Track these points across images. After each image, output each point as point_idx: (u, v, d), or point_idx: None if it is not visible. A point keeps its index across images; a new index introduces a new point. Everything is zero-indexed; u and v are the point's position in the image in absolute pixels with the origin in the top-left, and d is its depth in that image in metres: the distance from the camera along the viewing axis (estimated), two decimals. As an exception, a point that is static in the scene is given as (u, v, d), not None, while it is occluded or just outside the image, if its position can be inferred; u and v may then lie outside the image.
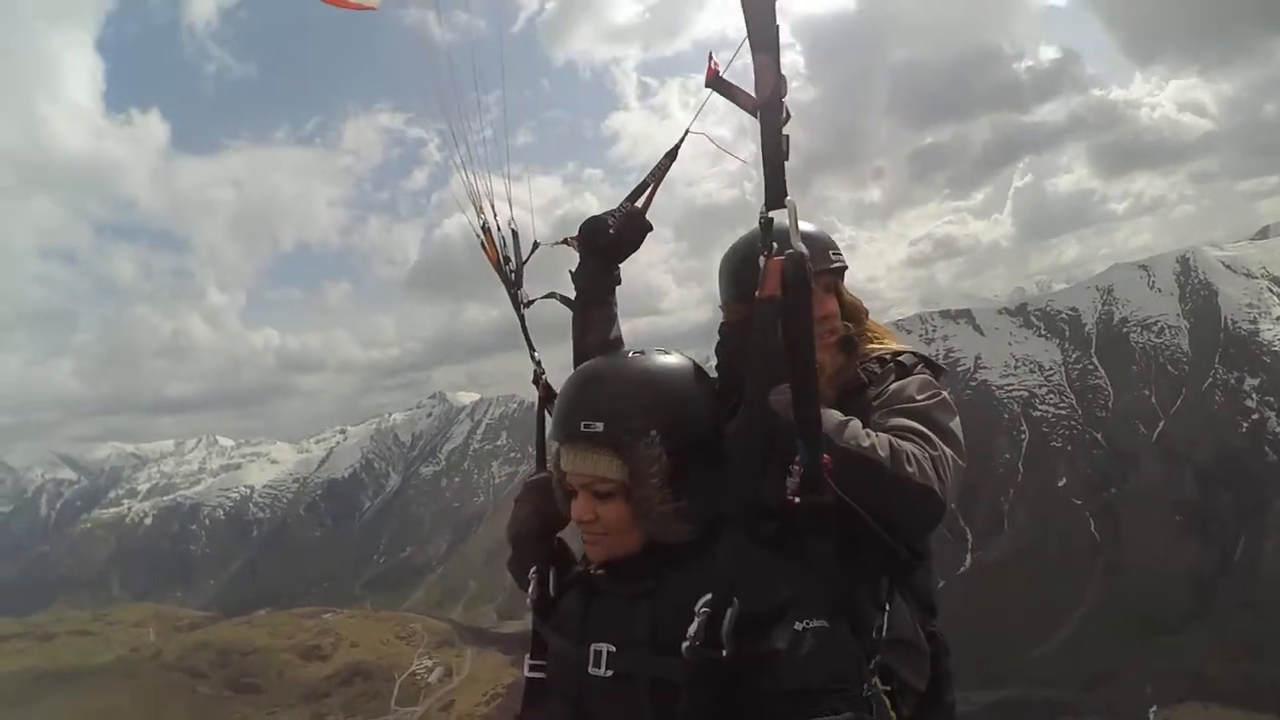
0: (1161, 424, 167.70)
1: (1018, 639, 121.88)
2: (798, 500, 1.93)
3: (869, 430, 2.14)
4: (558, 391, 2.62)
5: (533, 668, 2.41)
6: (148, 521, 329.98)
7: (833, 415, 2.13)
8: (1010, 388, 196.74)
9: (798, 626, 1.82)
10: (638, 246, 2.74)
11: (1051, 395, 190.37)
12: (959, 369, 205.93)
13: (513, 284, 3.13)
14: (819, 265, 2.52)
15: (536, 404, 2.99)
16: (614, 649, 1.99)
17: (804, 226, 2.42)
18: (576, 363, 2.66)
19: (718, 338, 2.73)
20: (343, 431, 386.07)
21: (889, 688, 2.22)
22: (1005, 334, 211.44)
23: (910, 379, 2.42)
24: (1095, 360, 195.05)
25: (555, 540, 2.50)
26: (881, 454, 2.05)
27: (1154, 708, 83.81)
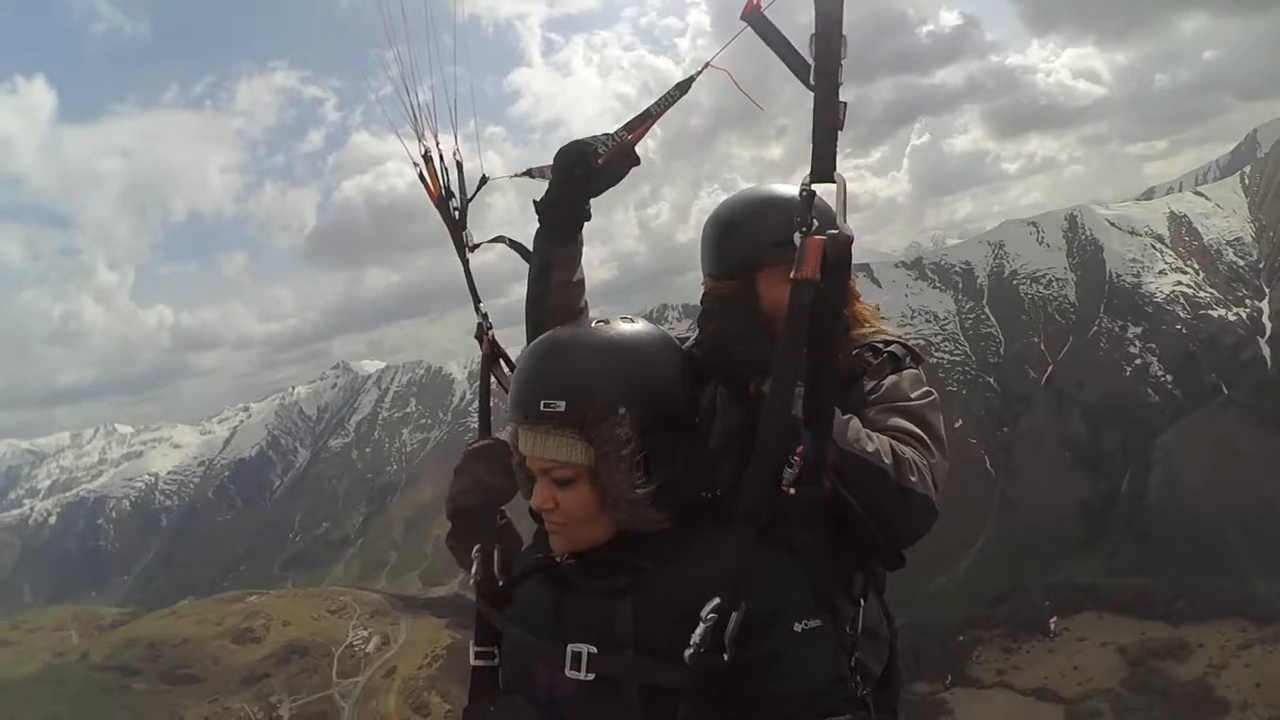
0: (1050, 369, 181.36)
1: (922, 570, 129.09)
2: (793, 491, 1.80)
3: (870, 432, 2.04)
4: (504, 349, 2.47)
5: (480, 654, 2.20)
6: (52, 520, 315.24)
7: (836, 413, 1.98)
8: (907, 336, 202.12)
9: (797, 628, 1.74)
10: (618, 180, 2.39)
11: (947, 343, 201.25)
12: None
13: (457, 223, 2.80)
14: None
15: (481, 361, 2.75)
16: (595, 650, 1.81)
17: (782, 194, 2.34)
18: (532, 307, 2.48)
19: (700, 308, 2.49)
20: (245, 409, 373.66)
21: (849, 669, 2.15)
22: (902, 286, 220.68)
23: (904, 375, 2.32)
24: (987, 310, 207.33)
25: (499, 514, 2.33)
26: (886, 461, 1.96)
27: (1053, 618, 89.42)
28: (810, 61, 1.76)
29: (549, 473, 1.89)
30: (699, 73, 2.29)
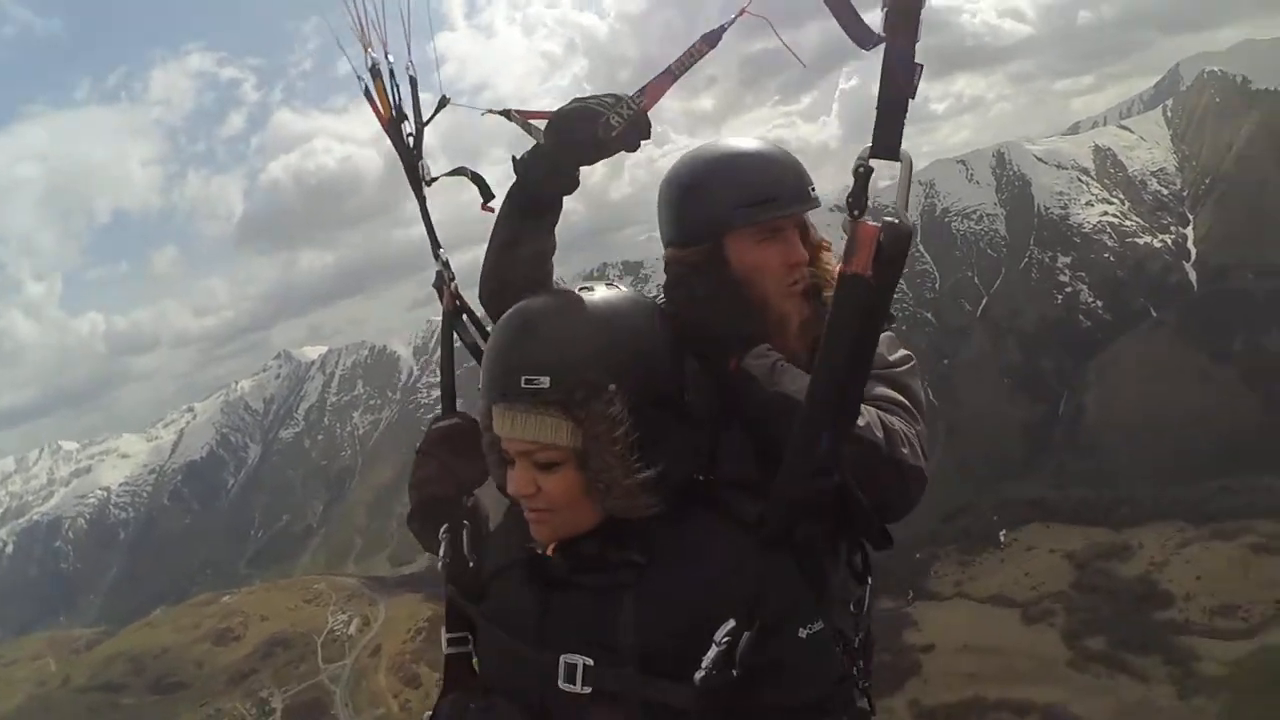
0: (985, 300, 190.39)
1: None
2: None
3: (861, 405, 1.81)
4: (468, 303, 2.34)
5: (453, 641, 2.03)
6: (9, 550, 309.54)
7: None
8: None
9: (802, 633, 1.61)
10: (625, 151, 1.97)
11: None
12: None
13: (410, 150, 2.44)
14: (798, 206, 2.09)
15: (442, 319, 2.39)
16: (590, 662, 1.61)
17: (777, 152, 2.12)
18: (489, 274, 2.21)
19: (665, 276, 2.18)
20: (190, 410, 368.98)
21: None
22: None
23: (881, 339, 1.99)
24: (921, 248, 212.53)
25: (469, 497, 2.11)
26: (878, 434, 1.81)
27: (1003, 531, 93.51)
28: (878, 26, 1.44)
29: (529, 455, 1.68)
30: (731, 21, 1.85)
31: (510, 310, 1.77)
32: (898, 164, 1.41)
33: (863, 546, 2.04)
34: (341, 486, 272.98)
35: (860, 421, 1.77)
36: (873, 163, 1.42)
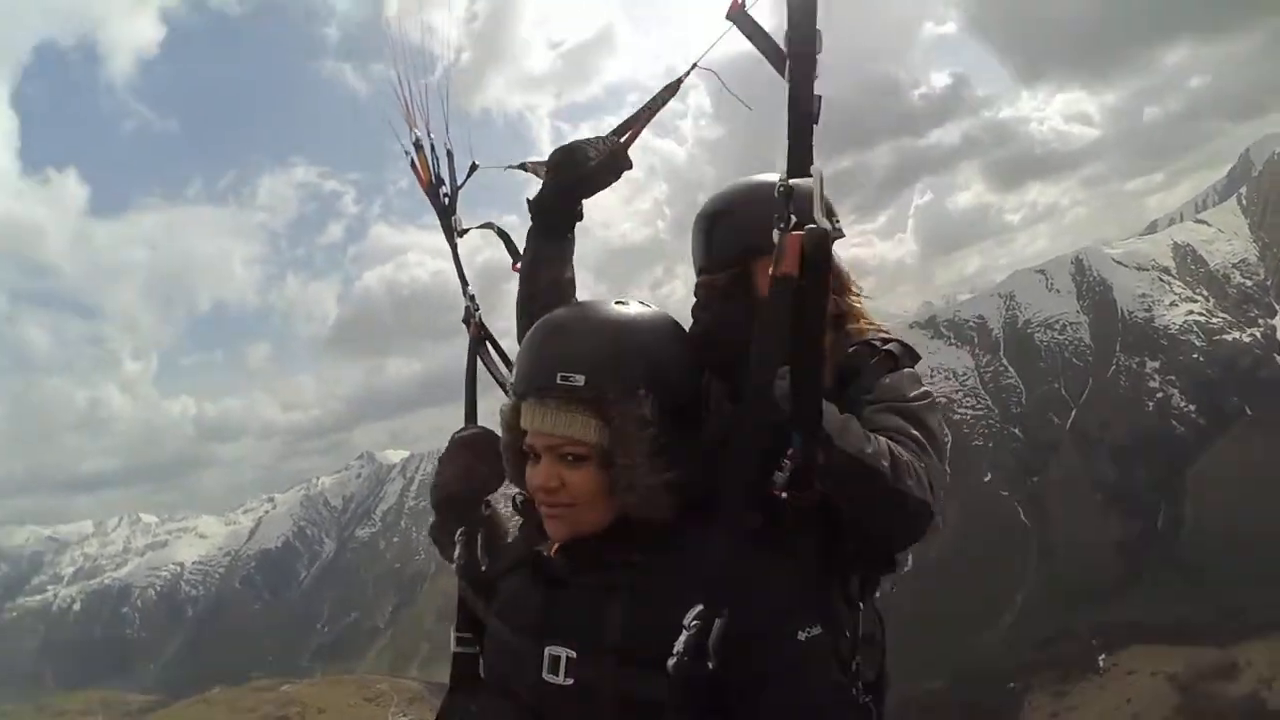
0: (1074, 412, 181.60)
1: (967, 625, 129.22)
2: (785, 495, 1.72)
3: (868, 433, 1.91)
4: (493, 334, 2.52)
5: (461, 640, 2.10)
6: (76, 607, 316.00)
7: (833, 412, 1.86)
8: (935, 388, 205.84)
9: (801, 636, 1.66)
10: (609, 184, 2.43)
11: (968, 399, 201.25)
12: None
13: (445, 209, 2.83)
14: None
15: (469, 344, 2.70)
16: (573, 654, 1.70)
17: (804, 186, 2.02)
18: (523, 303, 2.48)
19: (694, 298, 2.36)
20: (270, 500, 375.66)
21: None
22: (918, 346, 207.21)
23: (901, 374, 2.23)
24: (1005, 362, 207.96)
25: (485, 504, 2.25)
26: (884, 464, 1.84)
27: (1102, 656, 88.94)
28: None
29: (556, 450, 1.77)
30: (686, 74, 2.31)
31: (546, 315, 1.91)
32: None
33: (863, 573, 2.14)
34: (412, 590, 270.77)
35: (867, 449, 1.82)
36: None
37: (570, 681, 1.69)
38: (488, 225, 2.76)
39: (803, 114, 1.68)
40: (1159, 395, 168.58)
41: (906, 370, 2.25)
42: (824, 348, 1.73)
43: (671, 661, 1.56)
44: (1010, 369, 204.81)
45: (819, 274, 1.63)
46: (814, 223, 1.63)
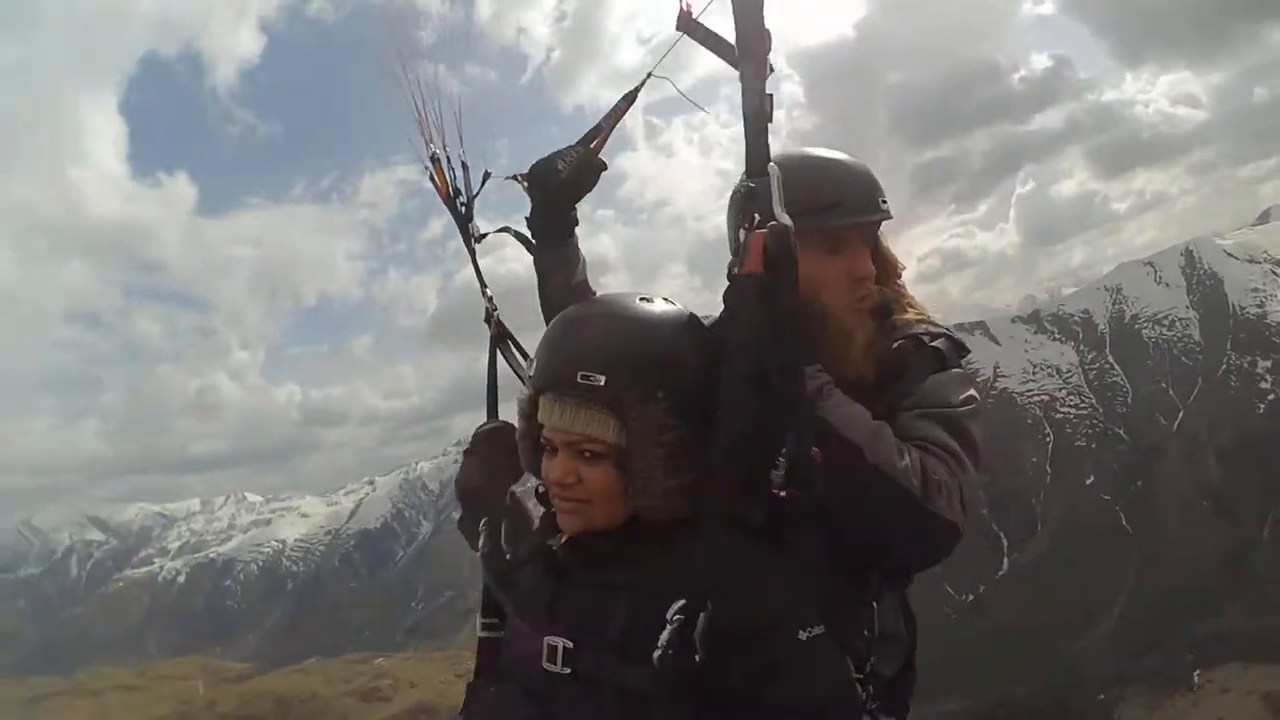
0: (1181, 414, 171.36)
1: (1063, 632, 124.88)
2: (784, 494, 1.72)
3: (901, 445, 1.86)
4: (511, 330, 2.63)
5: (486, 625, 2.20)
6: (180, 579, 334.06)
7: (865, 420, 1.86)
8: (1030, 393, 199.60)
9: (801, 635, 1.64)
10: (590, 188, 2.50)
11: (1072, 396, 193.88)
12: (979, 379, 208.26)
13: (463, 217, 2.93)
14: (865, 214, 2.18)
15: (490, 341, 2.79)
16: (570, 644, 1.74)
17: (846, 159, 2.23)
18: (544, 312, 2.59)
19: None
20: (370, 483, 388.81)
21: (859, 675, 1.96)
22: (1020, 341, 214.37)
23: (947, 375, 2.13)
24: (1111, 359, 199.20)
25: (508, 494, 2.26)
26: (914, 482, 1.80)
27: (1197, 671, 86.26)
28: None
29: (574, 445, 1.77)
30: (641, 84, 2.39)
31: (570, 309, 1.93)
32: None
33: (882, 569, 2.06)
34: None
35: (899, 465, 1.80)
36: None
37: (568, 671, 1.73)
38: (504, 229, 2.86)
39: (757, 113, 1.67)
40: (1270, 397, 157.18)
41: (954, 371, 2.16)
42: (801, 342, 1.73)
43: (656, 654, 1.58)
44: (1116, 366, 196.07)
45: (783, 270, 1.66)
46: (775, 221, 1.66)
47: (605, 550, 1.83)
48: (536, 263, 2.65)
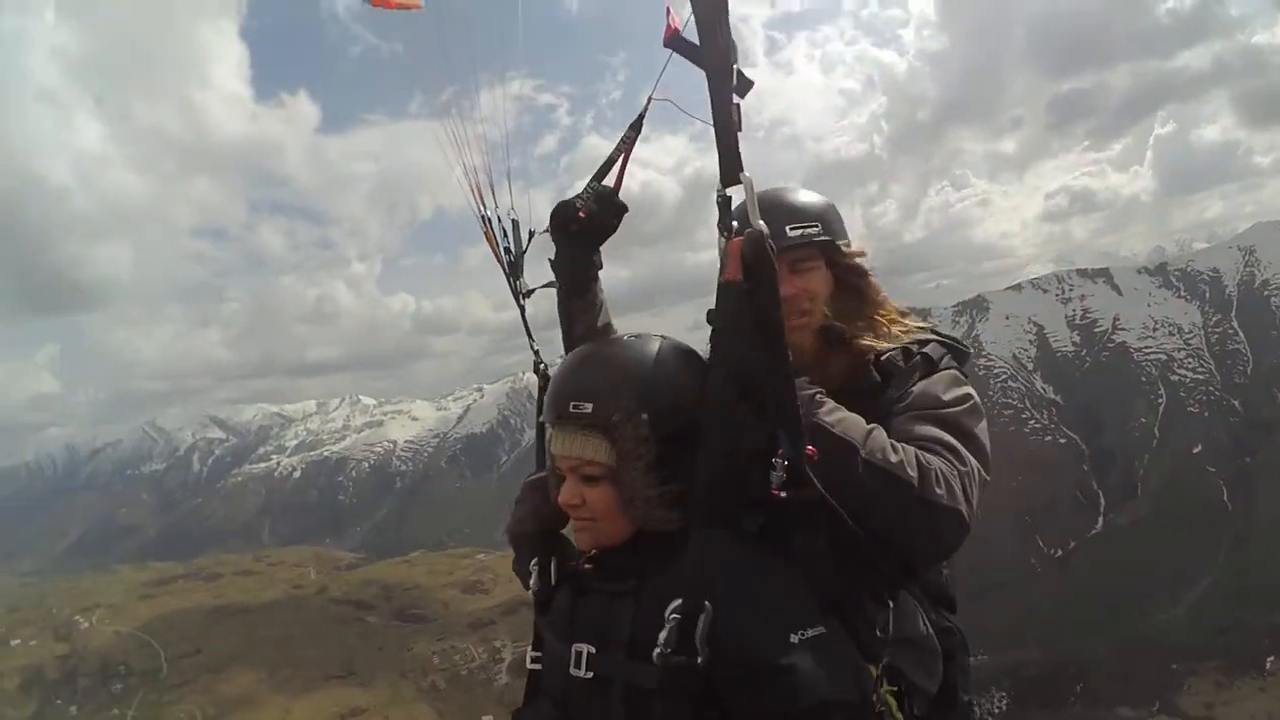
0: None
1: (1146, 600, 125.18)
2: (783, 495, 1.75)
3: (895, 443, 1.91)
4: None
5: (535, 659, 2.27)
6: (296, 475, 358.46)
7: (858, 422, 1.92)
8: (1148, 350, 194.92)
9: (794, 638, 1.67)
10: (614, 230, 2.55)
11: (1190, 359, 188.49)
12: (1096, 329, 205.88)
13: (512, 275, 3.03)
14: (775, 243, 2.00)
15: (538, 390, 2.77)
16: (594, 650, 1.91)
17: (767, 194, 2.28)
18: (567, 353, 2.55)
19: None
20: (479, 390, 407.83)
21: (896, 688, 2.05)
22: (1144, 294, 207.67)
23: (938, 376, 2.19)
24: (1235, 324, 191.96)
25: (555, 536, 2.36)
26: (911, 473, 1.84)
27: (1270, 658, 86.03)
28: (749, 79, 1.85)
29: (576, 470, 1.99)
30: (644, 111, 2.43)
31: (570, 352, 2.25)
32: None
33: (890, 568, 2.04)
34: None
35: (893, 458, 1.86)
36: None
37: (590, 675, 1.90)
38: (551, 285, 2.82)
39: (725, 127, 1.77)
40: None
41: (945, 373, 2.22)
42: (785, 345, 1.78)
43: (655, 652, 1.70)
44: (1239, 333, 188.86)
45: (764, 275, 1.77)
46: (752, 228, 1.77)
47: (619, 563, 2.04)
48: (560, 308, 2.68)
